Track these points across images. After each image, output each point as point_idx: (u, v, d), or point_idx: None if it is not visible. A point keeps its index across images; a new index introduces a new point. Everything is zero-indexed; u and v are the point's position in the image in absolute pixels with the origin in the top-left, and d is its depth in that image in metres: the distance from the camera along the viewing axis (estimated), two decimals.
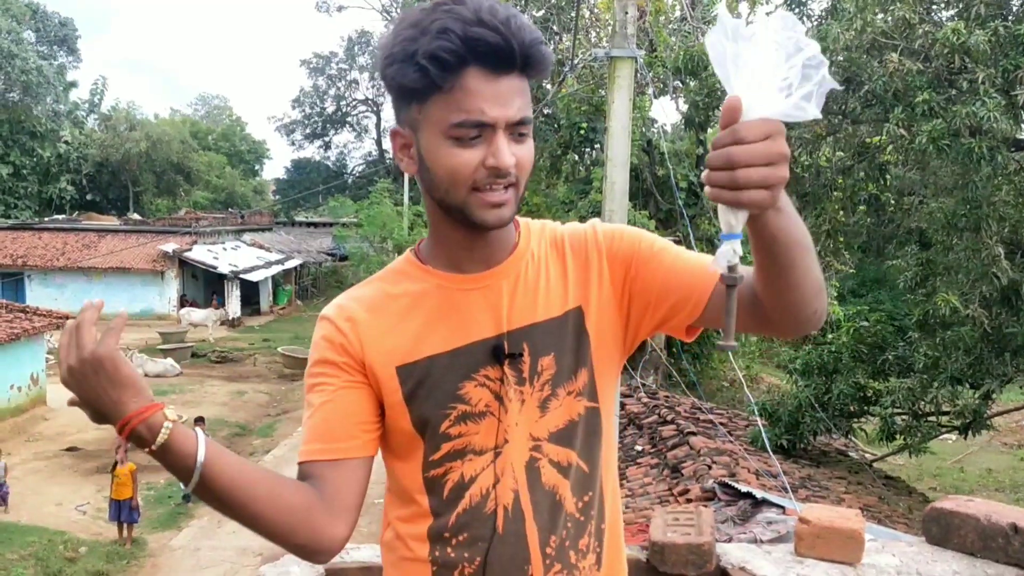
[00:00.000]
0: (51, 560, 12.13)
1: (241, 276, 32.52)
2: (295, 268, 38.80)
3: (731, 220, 1.16)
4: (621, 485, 8.49)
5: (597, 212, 10.87)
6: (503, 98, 1.29)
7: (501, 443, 1.43)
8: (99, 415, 1.32)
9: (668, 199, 14.42)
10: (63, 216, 42.94)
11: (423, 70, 1.26)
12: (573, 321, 1.44)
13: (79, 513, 14.06)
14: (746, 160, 1.10)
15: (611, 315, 1.46)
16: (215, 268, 32.08)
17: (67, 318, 20.28)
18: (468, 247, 1.43)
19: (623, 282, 1.45)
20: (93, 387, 1.32)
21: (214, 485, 1.31)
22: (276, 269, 36.08)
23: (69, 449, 17.22)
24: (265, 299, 35.99)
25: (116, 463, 13.07)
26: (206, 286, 33.75)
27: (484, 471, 1.43)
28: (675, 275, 1.42)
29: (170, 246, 32.04)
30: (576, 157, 17.27)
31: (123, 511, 12.97)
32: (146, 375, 23.45)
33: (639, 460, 10.42)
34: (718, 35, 1.10)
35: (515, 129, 1.32)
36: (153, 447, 1.29)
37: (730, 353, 10.11)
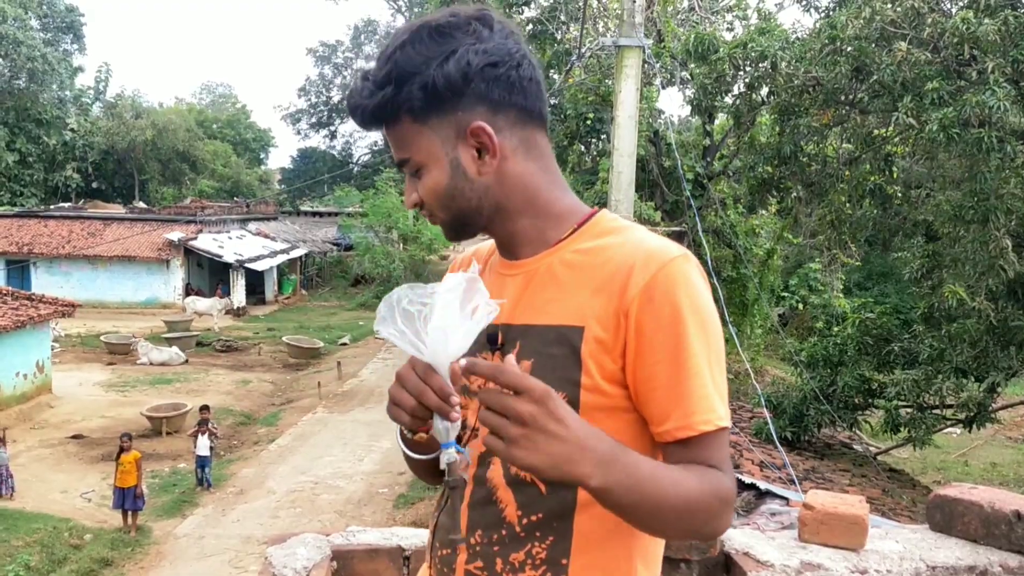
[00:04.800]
0: (56, 547, 12.18)
1: (246, 265, 32.56)
2: (300, 257, 38.83)
3: (440, 428, 1.31)
4: None
5: (603, 203, 10.84)
6: (392, 145, 1.45)
7: (473, 427, 1.49)
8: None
9: (674, 190, 14.39)
10: (69, 204, 43.05)
11: None
12: (568, 339, 1.39)
13: (84, 501, 14.11)
14: (483, 400, 1.23)
15: (615, 364, 1.38)
16: (220, 257, 32.13)
17: (72, 306, 20.37)
18: (495, 240, 1.55)
19: (626, 350, 1.38)
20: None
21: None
22: (281, 258, 36.11)
23: (74, 437, 17.27)
24: (270, 288, 36.03)
25: (121, 451, 13.10)
26: (211, 275, 33.79)
27: (466, 446, 1.50)
28: (646, 398, 1.37)
29: (175, 235, 32.08)
30: (582, 148, 17.22)
31: (127, 499, 13.02)
32: (151, 363, 23.53)
33: None
34: (389, 317, 1.31)
35: (408, 169, 1.45)
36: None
37: (737, 345, 10.10)
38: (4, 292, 19.79)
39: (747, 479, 7.67)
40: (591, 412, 1.36)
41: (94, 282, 31.69)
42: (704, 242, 10.86)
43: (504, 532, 1.45)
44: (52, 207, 40.97)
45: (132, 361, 24.13)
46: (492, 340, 1.47)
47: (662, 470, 1.30)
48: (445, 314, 1.29)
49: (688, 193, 11.35)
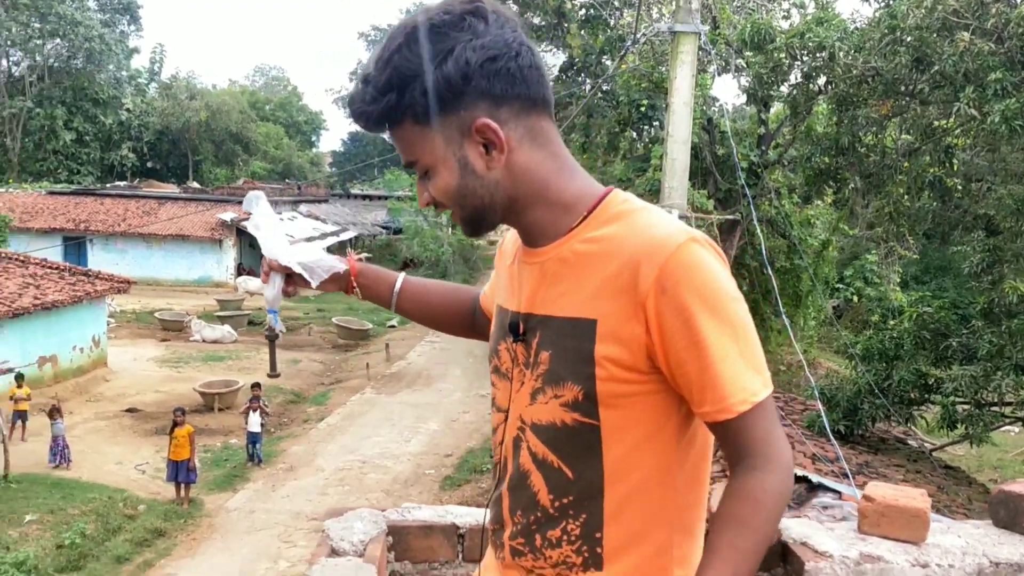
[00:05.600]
0: (111, 516, 12.46)
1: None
2: (350, 240, 39.16)
3: (267, 297, 1.98)
4: None
5: (655, 190, 10.79)
6: (398, 148, 1.48)
7: (507, 408, 1.58)
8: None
9: (728, 179, 14.21)
10: (124, 183, 43.82)
11: None
12: (582, 332, 1.42)
13: (138, 472, 14.41)
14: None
15: (636, 354, 1.40)
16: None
17: (127, 283, 20.74)
18: (516, 230, 1.58)
19: (650, 345, 1.40)
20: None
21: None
22: (331, 240, 36.44)
23: (129, 410, 17.63)
24: None
25: (174, 425, 13.35)
26: (263, 255, 34.16)
27: (499, 427, 1.61)
28: (685, 387, 1.41)
29: (228, 215, 32.49)
30: (634, 134, 17.08)
31: (180, 472, 13.27)
32: (204, 341, 23.89)
33: None
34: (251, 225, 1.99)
35: (417, 170, 1.49)
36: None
37: (791, 335, 9.99)
38: (62, 268, 20.25)
39: (799, 472, 7.62)
40: (610, 400, 1.42)
41: (148, 260, 32.23)
42: (758, 231, 10.75)
43: (539, 513, 1.52)
44: (108, 185, 41.72)
45: (185, 338, 24.54)
46: (514, 329, 1.53)
47: (731, 559, 1.36)
48: (268, 231, 1.94)
49: (743, 181, 11.22)
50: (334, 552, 2.07)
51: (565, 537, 1.50)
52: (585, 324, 1.41)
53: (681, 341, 1.35)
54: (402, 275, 1.98)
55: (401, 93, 1.37)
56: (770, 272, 9.05)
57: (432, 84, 1.36)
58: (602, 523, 1.48)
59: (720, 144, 14.47)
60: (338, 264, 1.92)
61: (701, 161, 13.77)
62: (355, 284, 1.95)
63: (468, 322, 1.98)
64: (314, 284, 1.89)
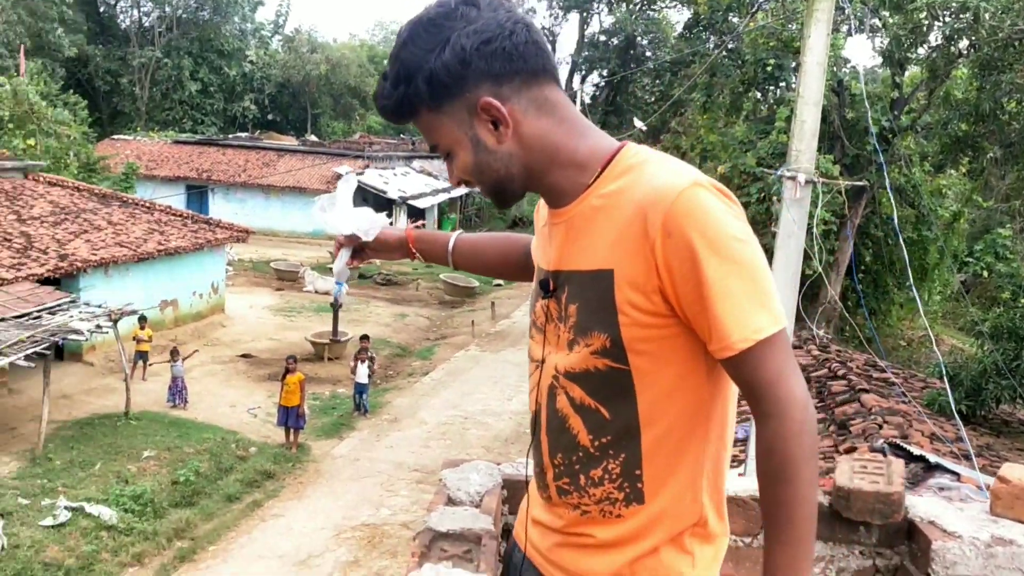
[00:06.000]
0: (224, 457, 12.86)
1: (409, 202, 33.22)
2: (460, 197, 39.32)
3: (336, 270, 2.15)
4: None
5: (779, 153, 10.37)
6: (422, 135, 1.61)
7: (540, 360, 1.69)
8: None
9: (856, 144, 13.52)
10: (245, 134, 44.93)
11: None
12: (601, 282, 1.52)
13: (250, 416, 14.83)
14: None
15: (652, 299, 1.48)
16: (385, 193, 32.86)
17: (246, 232, 21.27)
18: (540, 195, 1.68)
19: (664, 288, 1.48)
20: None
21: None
22: (443, 197, 36.67)
23: (243, 356, 18.15)
24: (430, 226, 36.67)
25: (286, 372, 13.65)
26: (376, 210, 34.40)
27: (531, 377, 1.74)
28: (699, 328, 1.47)
29: (344, 168, 32.98)
30: (759, 95, 16.46)
31: (290, 417, 13.60)
32: (316, 292, 24.39)
33: None
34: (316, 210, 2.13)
35: (440, 153, 1.61)
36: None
37: (919, 309, 9.47)
38: (184, 215, 20.88)
39: (916, 451, 7.25)
40: (636, 345, 1.51)
41: (266, 211, 33.05)
42: (886, 200, 10.22)
43: (581, 454, 1.63)
44: (230, 136, 42.83)
45: (299, 288, 25.12)
46: (544, 286, 1.66)
47: (788, 525, 1.44)
48: (341, 209, 2.12)
49: (874, 145, 10.67)
50: (451, 501, 2.11)
51: (606, 476, 1.61)
52: (604, 275, 1.51)
53: (689, 283, 1.42)
54: (455, 235, 2.18)
55: (409, 85, 1.50)
56: (900, 242, 8.59)
57: (434, 73, 1.47)
58: (641, 461, 1.58)
59: (850, 108, 13.82)
60: (384, 221, 2.18)
61: (828, 125, 13.16)
62: (414, 249, 2.17)
63: (522, 267, 2.08)
64: (368, 239, 2.13)
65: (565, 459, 1.66)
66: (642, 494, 1.60)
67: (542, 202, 1.75)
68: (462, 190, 38.94)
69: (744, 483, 2.48)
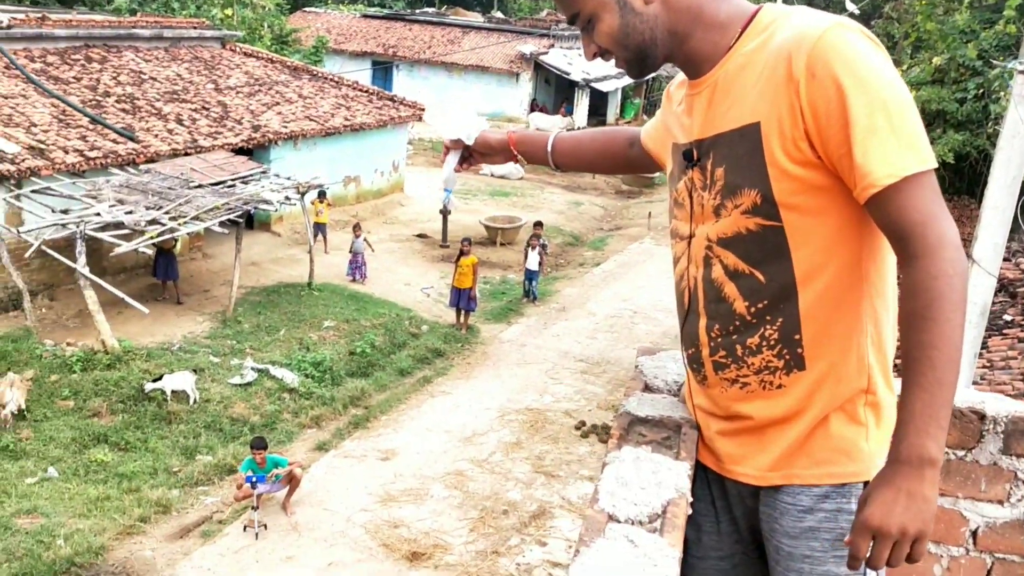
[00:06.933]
0: (397, 332, 13.33)
1: (592, 84, 32.54)
2: (646, 81, 38.17)
3: (445, 178, 2.28)
4: (980, 355, 7.71)
5: (1005, 46, 9.36)
6: (559, 6, 1.66)
7: (689, 235, 1.69)
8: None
9: None
10: (432, 9, 44.94)
11: None
12: (749, 137, 1.51)
13: (423, 295, 15.25)
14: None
15: (799, 145, 1.46)
16: (568, 74, 32.29)
17: (429, 111, 21.42)
18: (679, 65, 1.66)
19: (809, 132, 1.45)
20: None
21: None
22: (627, 80, 35.71)
23: (419, 235, 18.58)
24: (612, 111, 35.99)
25: (461, 254, 13.87)
26: (557, 92, 34.20)
27: (683, 255, 1.72)
28: (844, 170, 1.44)
29: (528, 47, 32.55)
30: None
31: (462, 299, 13.88)
32: (492, 175, 24.52)
33: (1005, 331, 9.37)
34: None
35: (580, 23, 1.62)
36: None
37: None
38: (370, 91, 21.21)
39: None
40: (788, 198, 1.49)
41: (448, 89, 33.20)
42: None
43: (737, 323, 1.62)
44: (416, 11, 42.95)
45: (475, 171, 25.00)
46: (688, 156, 1.66)
47: (930, 371, 1.36)
48: (455, 117, 2.15)
49: None
50: (648, 388, 2.05)
51: (764, 343, 1.60)
52: (750, 129, 1.51)
53: (834, 123, 1.40)
54: (553, 133, 2.20)
55: None
56: None
57: None
58: (799, 324, 1.57)
59: None
60: (484, 123, 2.20)
61: None
62: (516, 152, 2.19)
63: (622, 160, 2.16)
64: (470, 142, 2.17)
65: (722, 330, 1.65)
66: (802, 359, 1.58)
67: (675, 84, 1.79)
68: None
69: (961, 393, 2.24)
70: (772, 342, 1.59)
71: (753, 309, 1.59)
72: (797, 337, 1.57)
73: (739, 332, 1.62)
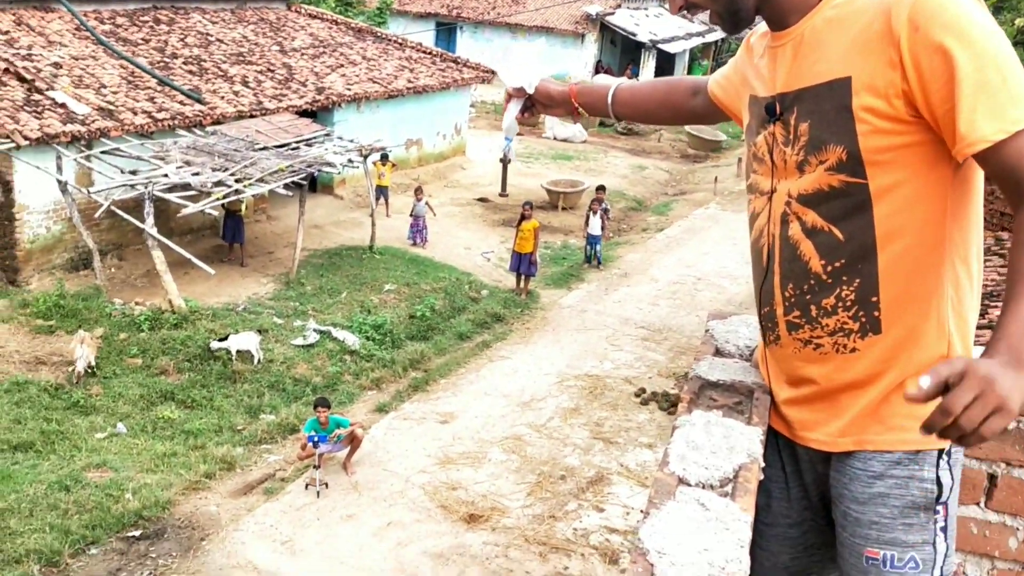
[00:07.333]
0: (457, 296, 13.36)
1: (659, 46, 31.99)
2: (715, 43, 37.43)
3: (505, 127, 2.28)
4: None
5: None
6: None
7: (770, 191, 1.65)
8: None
9: None
10: None
11: None
12: (838, 92, 1.47)
13: (483, 259, 15.24)
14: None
15: (893, 102, 1.43)
16: (634, 36, 31.77)
17: (492, 72, 21.31)
18: (765, 18, 1.64)
19: (909, 87, 1.41)
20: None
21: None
22: (696, 42, 35.01)
23: (480, 200, 18.54)
24: (679, 72, 35.32)
25: (522, 218, 13.80)
26: (623, 54, 33.71)
27: (762, 211, 1.68)
28: (947, 125, 1.39)
29: (594, 8, 32.10)
30: None
31: (523, 264, 13.84)
32: (555, 138, 24.35)
33: None
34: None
35: None
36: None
37: None
38: (433, 53, 21.13)
39: None
40: (874, 155, 1.47)
41: (511, 51, 32.93)
42: None
43: (812, 282, 1.59)
44: None
45: (538, 134, 25.08)
46: (770, 111, 1.62)
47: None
48: (516, 64, 2.16)
49: None
50: (719, 353, 2.03)
51: (840, 304, 1.57)
52: (840, 83, 1.47)
53: (939, 78, 1.37)
54: (615, 84, 2.17)
55: None
56: None
57: None
58: (877, 286, 1.54)
59: None
60: (544, 72, 2.20)
61: None
62: (576, 104, 2.15)
63: (684, 110, 2.12)
64: (531, 91, 2.16)
65: (796, 289, 1.62)
66: (878, 323, 1.56)
67: (756, 34, 1.76)
68: (717, 34, 37.08)
69: None
70: (848, 303, 1.57)
71: (830, 268, 1.56)
72: (874, 299, 1.55)
73: (814, 292, 1.60)
